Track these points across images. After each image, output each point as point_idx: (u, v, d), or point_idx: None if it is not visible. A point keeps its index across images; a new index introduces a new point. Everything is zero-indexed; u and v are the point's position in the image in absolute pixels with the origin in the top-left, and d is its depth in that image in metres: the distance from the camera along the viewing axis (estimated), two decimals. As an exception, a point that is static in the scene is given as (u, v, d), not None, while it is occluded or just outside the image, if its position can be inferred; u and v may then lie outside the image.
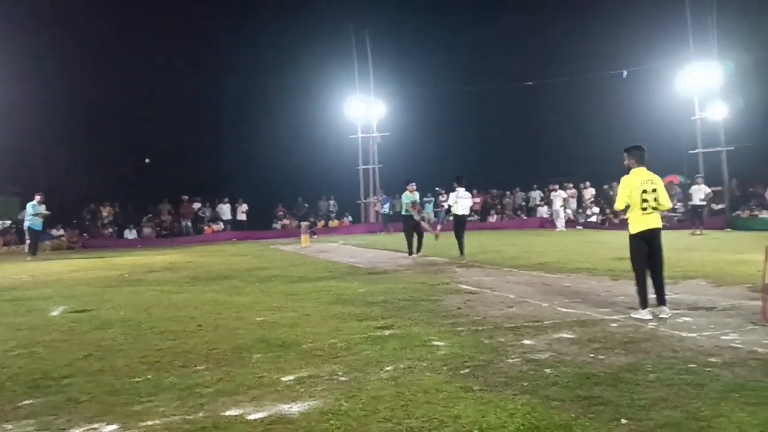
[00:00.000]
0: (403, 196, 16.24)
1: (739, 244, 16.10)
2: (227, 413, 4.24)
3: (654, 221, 7.11)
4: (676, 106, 26.42)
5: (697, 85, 25.41)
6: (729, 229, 22.39)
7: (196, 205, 29.70)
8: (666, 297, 7.15)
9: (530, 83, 29.28)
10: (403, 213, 15.68)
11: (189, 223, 28.78)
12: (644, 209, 7.05)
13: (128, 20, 31.10)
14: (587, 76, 28.52)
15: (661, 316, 6.91)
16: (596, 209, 28.75)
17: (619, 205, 7.25)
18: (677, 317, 6.91)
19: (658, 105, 26.62)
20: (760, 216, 23.07)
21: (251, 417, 4.15)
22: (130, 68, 30.05)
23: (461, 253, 14.61)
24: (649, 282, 7.11)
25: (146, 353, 5.94)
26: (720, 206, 24.58)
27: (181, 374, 5.22)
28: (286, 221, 30.81)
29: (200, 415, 4.23)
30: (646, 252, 7.09)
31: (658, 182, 7.22)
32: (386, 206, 30.65)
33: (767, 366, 4.98)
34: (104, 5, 30.11)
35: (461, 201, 14.67)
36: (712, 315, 7.09)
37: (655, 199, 7.07)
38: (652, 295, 7.08)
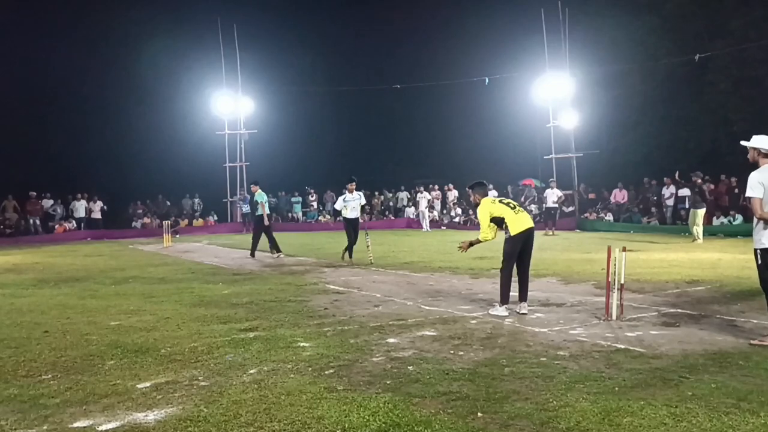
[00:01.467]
0: (257, 195, 15.92)
1: (586, 244, 17.34)
2: (75, 425, 3.96)
3: (527, 220, 7.53)
4: (533, 113, 28.04)
5: (551, 94, 27.08)
6: (578, 230, 24.06)
7: (47, 202, 27.55)
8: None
9: (398, 86, 29.88)
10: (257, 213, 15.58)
11: (38, 221, 26.62)
12: (513, 208, 7.52)
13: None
14: (452, 81, 29.60)
15: (520, 311, 7.32)
16: (459, 210, 29.84)
17: (484, 235, 7.57)
18: (531, 313, 7.31)
19: (517, 112, 28.16)
20: (605, 218, 25.00)
21: (102, 428, 3.90)
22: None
23: (350, 255, 13.87)
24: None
25: (-18, 363, 5.42)
26: (570, 209, 26.36)
27: (23, 384, 4.81)
28: (146, 220, 29.40)
29: (44, 427, 3.92)
30: (518, 252, 7.45)
31: (514, 203, 7.84)
32: (245, 206, 30.00)
33: (608, 357, 5.38)
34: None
35: (350, 203, 13.92)
36: (561, 311, 7.57)
37: (519, 204, 7.67)
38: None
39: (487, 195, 7.90)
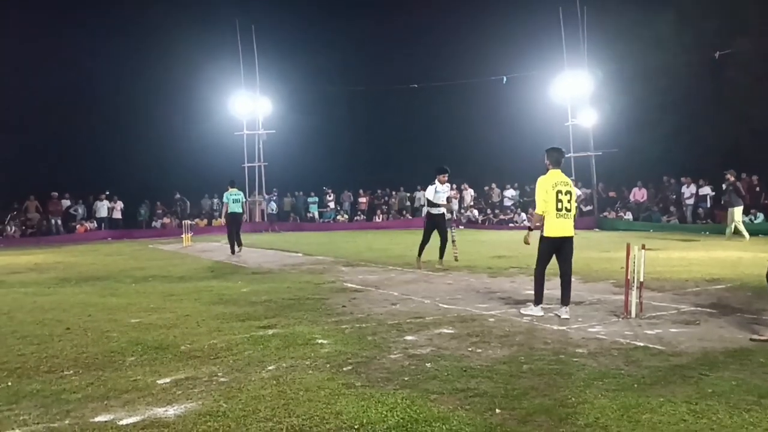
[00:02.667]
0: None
1: (605, 243, 17.21)
2: (96, 419, 4.01)
3: (568, 228, 7.12)
4: (552, 112, 27.87)
5: (569, 93, 26.92)
6: (597, 229, 23.90)
7: (66, 202, 27.89)
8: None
9: (415, 86, 29.87)
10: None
11: (59, 221, 26.98)
12: (559, 209, 7.05)
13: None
14: (470, 80, 29.51)
15: (562, 316, 7.01)
16: (476, 212, 29.76)
17: (539, 208, 7.11)
18: (549, 311, 7.27)
19: (535, 111, 27.97)
20: (624, 217, 24.81)
21: (123, 422, 3.95)
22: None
23: (419, 255, 12.35)
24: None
25: (6, 359, 5.51)
26: (589, 208, 26.19)
27: (45, 380, 4.88)
28: (166, 220, 29.67)
29: (66, 422, 3.97)
30: (553, 254, 7.21)
31: (572, 187, 7.33)
32: (273, 205, 30.27)
33: (627, 355, 5.35)
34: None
35: (440, 196, 12.05)
36: (580, 309, 7.52)
37: (569, 201, 7.13)
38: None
39: (559, 165, 7.26)
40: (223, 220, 17.30)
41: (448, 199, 12.32)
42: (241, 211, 16.83)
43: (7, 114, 28.47)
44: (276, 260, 14.71)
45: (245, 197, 30.15)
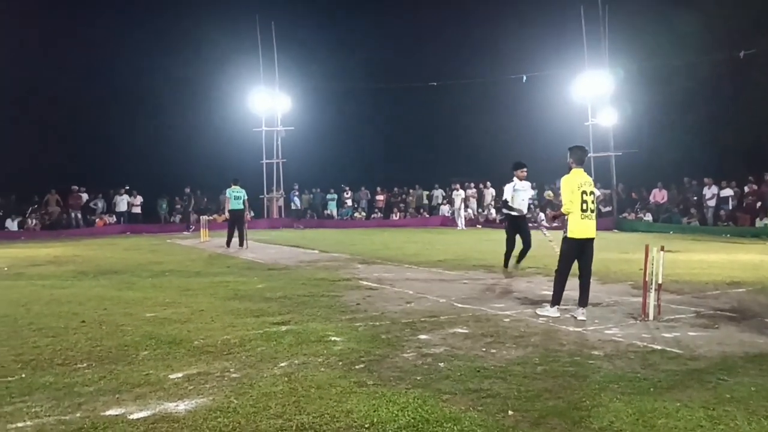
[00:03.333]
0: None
1: (624, 244, 17.03)
2: (107, 413, 4.02)
3: (590, 230, 7.02)
4: (571, 111, 27.63)
5: (590, 92, 26.66)
6: (616, 230, 23.66)
7: (86, 196, 28.16)
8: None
9: (434, 84, 29.77)
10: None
11: (79, 215, 27.25)
12: (584, 210, 6.93)
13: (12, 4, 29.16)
14: (489, 79, 29.37)
15: (578, 317, 6.92)
16: (493, 211, 29.59)
17: (566, 208, 6.98)
18: (566, 312, 7.18)
19: (555, 110, 27.75)
20: (644, 218, 24.54)
21: (133, 416, 3.95)
22: (15, 49, 28.10)
23: (506, 263, 11.01)
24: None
25: (21, 351, 5.55)
26: (608, 209, 25.93)
27: (59, 373, 4.91)
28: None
29: (77, 415, 3.98)
30: (576, 256, 7.10)
31: (594, 187, 7.21)
32: (296, 201, 30.34)
33: (644, 358, 5.26)
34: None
35: (519, 194, 10.91)
36: (596, 310, 7.43)
37: (593, 202, 7.03)
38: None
39: (582, 163, 7.17)
40: (226, 215, 17.75)
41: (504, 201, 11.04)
42: (242, 207, 17.02)
43: (28, 109, 28.83)
44: (292, 257, 14.73)
45: (264, 194, 30.63)
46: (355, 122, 32.94)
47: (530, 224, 11.29)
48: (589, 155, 26.12)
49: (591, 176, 7.42)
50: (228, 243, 16.97)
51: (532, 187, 28.35)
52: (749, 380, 4.60)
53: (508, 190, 10.92)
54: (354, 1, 35.00)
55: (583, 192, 6.97)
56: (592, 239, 7.10)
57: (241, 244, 16.96)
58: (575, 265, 7.14)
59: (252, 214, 30.63)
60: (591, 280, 7.27)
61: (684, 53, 25.66)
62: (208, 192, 30.69)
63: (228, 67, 30.70)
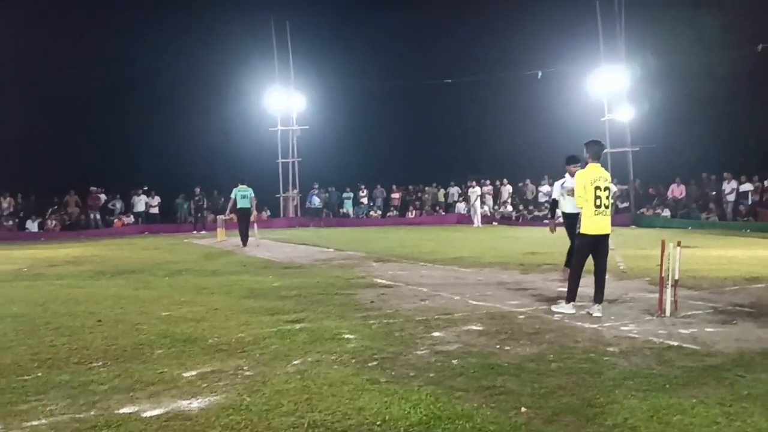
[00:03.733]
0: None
1: (641, 241, 16.87)
2: (121, 411, 4.05)
3: (604, 226, 6.94)
4: (587, 106, 27.43)
5: (606, 88, 26.45)
6: (633, 226, 23.46)
7: (104, 197, 28.43)
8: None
9: (449, 81, 29.69)
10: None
11: (98, 216, 27.53)
12: (597, 206, 6.86)
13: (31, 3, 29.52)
14: (504, 75, 29.21)
15: (594, 314, 6.83)
16: (510, 208, 29.48)
17: (579, 203, 6.99)
18: (581, 309, 7.12)
19: (571, 105, 27.56)
20: (661, 214, 24.31)
21: (147, 414, 3.98)
22: (34, 49, 28.45)
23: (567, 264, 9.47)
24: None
25: (38, 350, 5.61)
26: (625, 204, 25.72)
27: (74, 371, 4.95)
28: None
29: (92, 413, 4.01)
30: (590, 252, 7.05)
31: (610, 181, 7.13)
32: (316, 200, 30.35)
33: (660, 354, 5.20)
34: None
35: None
36: (612, 307, 7.36)
37: (607, 197, 6.94)
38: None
39: (598, 158, 7.07)
40: (232, 215, 18.54)
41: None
42: (249, 206, 17.38)
43: (46, 111, 29.14)
44: (308, 255, 14.76)
45: (280, 193, 30.74)
46: (371, 120, 32.92)
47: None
48: (606, 151, 26.01)
49: (608, 172, 7.31)
50: (244, 242, 17.38)
51: (549, 184, 28.42)
52: (767, 377, 4.53)
53: (556, 188, 9.99)
54: (367, 0, 35.00)
55: (597, 187, 6.89)
56: (606, 235, 7.03)
57: (244, 243, 17.40)
58: (590, 261, 7.08)
59: (268, 213, 30.91)
60: (606, 277, 7.21)
61: (702, 48, 25.36)
62: (225, 191, 30.84)
63: (244, 68, 30.85)
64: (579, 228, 7.07)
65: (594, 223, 6.92)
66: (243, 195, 17.37)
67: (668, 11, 26.93)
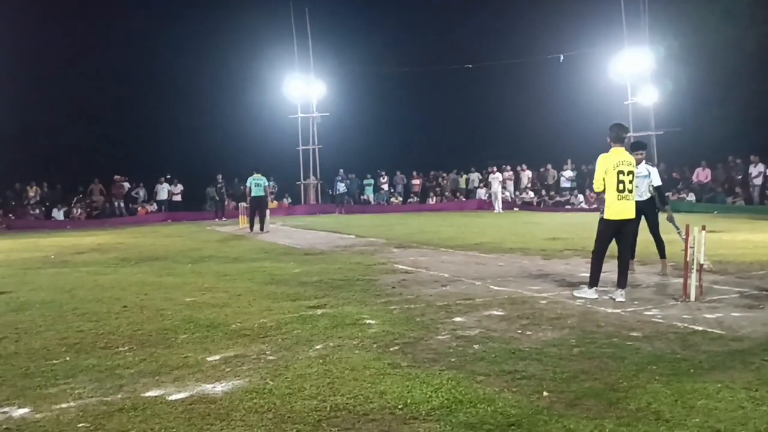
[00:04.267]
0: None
1: (665, 225, 16.63)
2: (147, 394, 4.11)
3: (629, 210, 6.86)
4: (610, 90, 27.08)
5: (629, 70, 26.06)
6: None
7: (128, 185, 28.75)
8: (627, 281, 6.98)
9: (469, 66, 29.48)
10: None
11: (121, 204, 27.87)
12: (620, 191, 6.76)
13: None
14: (525, 60, 28.92)
15: (617, 299, 6.76)
16: (531, 194, 29.28)
17: (597, 186, 6.93)
18: (604, 294, 7.06)
19: (593, 89, 27.22)
20: (686, 198, 23.98)
21: (172, 397, 4.03)
22: (56, 40, 28.74)
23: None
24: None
25: (66, 335, 5.71)
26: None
27: (101, 356, 5.03)
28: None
29: (118, 396, 4.08)
30: (613, 237, 6.99)
31: (634, 166, 7.02)
32: (341, 186, 30.34)
33: (684, 339, 5.15)
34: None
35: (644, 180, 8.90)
36: (636, 291, 7.30)
37: (631, 182, 6.83)
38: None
39: (622, 142, 6.96)
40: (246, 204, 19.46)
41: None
42: (263, 194, 18.24)
43: (70, 101, 29.46)
44: (329, 242, 14.81)
45: (300, 180, 30.84)
46: (391, 107, 32.84)
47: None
48: (629, 135, 25.74)
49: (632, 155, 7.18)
50: (251, 227, 18.29)
51: (572, 169, 28.12)
52: (794, 361, 4.47)
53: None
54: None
55: (620, 172, 6.79)
56: (631, 220, 6.94)
57: (261, 228, 18.03)
58: (613, 246, 7.02)
59: (289, 200, 31.05)
60: (631, 262, 7.14)
61: (729, 27, 24.84)
62: (246, 179, 31.02)
63: (263, 55, 30.90)
64: (602, 213, 6.99)
65: (617, 208, 6.83)
66: (257, 183, 18.10)
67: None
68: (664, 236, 9.04)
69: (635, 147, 9.23)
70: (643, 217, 8.84)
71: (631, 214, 6.92)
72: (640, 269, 9.04)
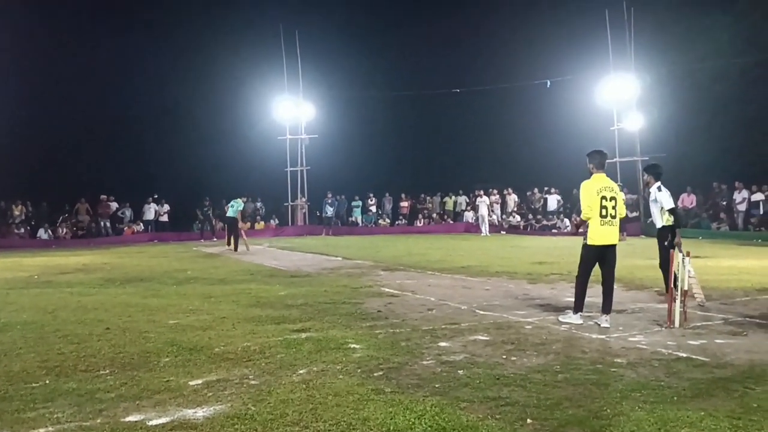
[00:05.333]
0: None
1: (650, 250, 16.70)
2: (127, 419, 4.05)
3: (612, 236, 6.89)
4: (596, 115, 27.37)
5: (615, 96, 26.39)
6: (643, 236, 23.30)
7: (115, 205, 28.57)
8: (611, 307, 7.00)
9: (458, 90, 29.76)
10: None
11: (108, 224, 27.66)
12: (603, 216, 6.81)
13: (48, 13, 29.84)
14: (513, 85, 29.23)
15: (602, 324, 6.78)
16: (518, 217, 29.39)
17: (585, 214, 6.86)
18: (589, 319, 7.08)
19: (579, 115, 27.52)
20: (671, 224, 24.14)
21: (152, 422, 3.98)
22: (43, 59, 28.70)
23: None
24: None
25: (46, 357, 5.63)
26: (635, 214, 25.58)
27: (82, 379, 4.96)
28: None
29: (98, 421, 4.02)
30: (596, 262, 7.01)
31: (617, 190, 7.07)
32: (329, 209, 30.40)
33: (668, 366, 5.16)
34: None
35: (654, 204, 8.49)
36: (621, 317, 7.32)
37: (614, 207, 6.87)
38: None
39: (603, 168, 7.03)
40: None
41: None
42: (234, 215, 19.58)
43: (58, 119, 29.38)
44: (315, 264, 14.77)
45: (288, 201, 30.80)
46: (379, 129, 33.04)
47: None
48: (615, 160, 26.03)
49: (617, 181, 7.29)
50: (227, 243, 19.81)
51: (557, 193, 28.26)
52: (777, 389, 4.49)
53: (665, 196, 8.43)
54: (376, 10, 35.13)
55: (603, 197, 6.84)
56: (613, 246, 6.98)
57: (229, 244, 19.46)
58: (598, 271, 7.04)
59: (277, 221, 30.98)
60: (615, 287, 7.16)
61: (713, 55, 25.29)
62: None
63: (253, 76, 31.06)
64: (585, 239, 7.01)
65: (600, 233, 6.87)
66: (231, 205, 19.73)
67: (678, 18, 26.90)
68: None
69: (644, 170, 9.29)
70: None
71: (613, 239, 6.95)
72: (627, 295, 9.07)
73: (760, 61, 23.82)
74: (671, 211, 8.26)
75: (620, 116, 26.81)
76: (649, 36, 26.66)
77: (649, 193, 8.61)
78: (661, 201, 8.28)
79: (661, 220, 8.34)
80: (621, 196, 7.16)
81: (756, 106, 25.70)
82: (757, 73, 25.15)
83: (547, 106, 28.72)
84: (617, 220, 6.96)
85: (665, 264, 8.11)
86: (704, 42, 26.14)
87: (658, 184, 8.47)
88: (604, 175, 7.08)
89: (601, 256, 6.98)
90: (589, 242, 6.94)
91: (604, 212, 6.83)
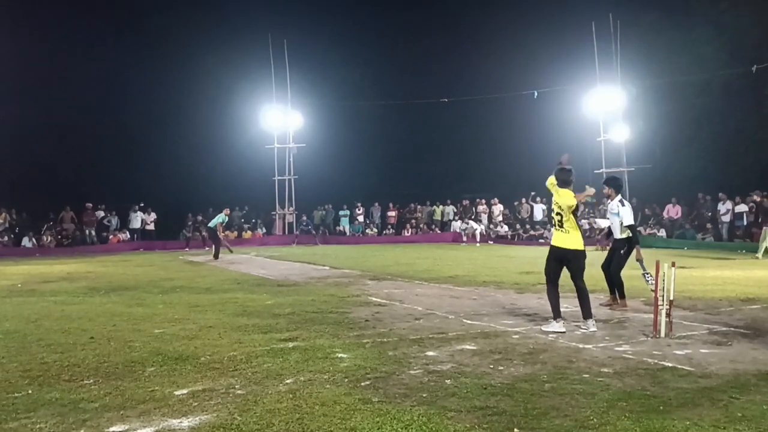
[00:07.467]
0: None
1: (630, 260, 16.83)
2: (111, 429, 4.01)
3: (563, 240, 7.17)
4: (583, 127, 27.59)
5: (601, 108, 26.61)
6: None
7: (100, 213, 28.37)
8: (592, 311, 7.24)
9: (446, 100, 29.87)
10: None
11: (93, 232, 27.43)
12: (552, 224, 7.43)
13: (35, 19, 29.71)
14: (500, 95, 29.40)
15: (589, 329, 6.98)
16: (505, 227, 29.48)
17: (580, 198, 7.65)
18: (576, 329, 7.10)
19: (567, 126, 27.73)
20: (657, 234, 24.33)
21: (136, 433, 3.94)
22: (30, 66, 28.49)
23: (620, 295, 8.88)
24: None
25: (29, 367, 5.56)
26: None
27: (65, 389, 4.91)
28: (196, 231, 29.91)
29: (81, 431, 3.97)
30: (554, 263, 7.25)
31: (564, 203, 7.20)
32: (315, 218, 30.56)
33: (654, 375, 5.18)
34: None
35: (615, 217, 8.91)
36: (607, 327, 7.35)
37: (560, 219, 7.20)
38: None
39: (568, 184, 7.25)
40: (226, 233, 22.86)
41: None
42: (212, 227, 20.46)
43: (44, 127, 29.18)
44: (302, 273, 14.72)
45: (275, 210, 30.74)
46: (367, 139, 33.09)
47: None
48: (601, 171, 26.19)
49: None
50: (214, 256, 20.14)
51: (544, 203, 28.40)
52: (762, 398, 4.52)
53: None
54: (365, 20, 35.30)
55: (553, 211, 7.42)
56: (563, 250, 7.16)
57: (212, 254, 19.94)
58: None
59: (264, 230, 30.88)
60: (590, 295, 7.27)
61: (697, 68, 25.59)
62: (219, 208, 30.82)
63: (241, 85, 31.01)
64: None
65: (554, 235, 7.34)
66: (212, 218, 21.26)
67: (663, 31, 27.22)
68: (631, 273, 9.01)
69: (605, 182, 9.54)
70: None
71: (563, 244, 7.16)
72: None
73: (742, 74, 24.14)
74: (630, 228, 8.69)
75: (606, 127, 27.04)
76: (634, 49, 26.96)
77: (610, 205, 9.00)
78: (623, 216, 8.67)
79: (620, 232, 8.78)
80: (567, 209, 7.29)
81: (739, 118, 26.04)
82: (740, 86, 25.50)
83: (534, 117, 28.91)
84: (567, 228, 7.16)
85: (616, 269, 8.77)
86: (688, 55, 26.48)
87: (620, 197, 8.88)
88: (566, 190, 7.30)
89: (558, 260, 7.23)
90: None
91: (553, 221, 7.42)
